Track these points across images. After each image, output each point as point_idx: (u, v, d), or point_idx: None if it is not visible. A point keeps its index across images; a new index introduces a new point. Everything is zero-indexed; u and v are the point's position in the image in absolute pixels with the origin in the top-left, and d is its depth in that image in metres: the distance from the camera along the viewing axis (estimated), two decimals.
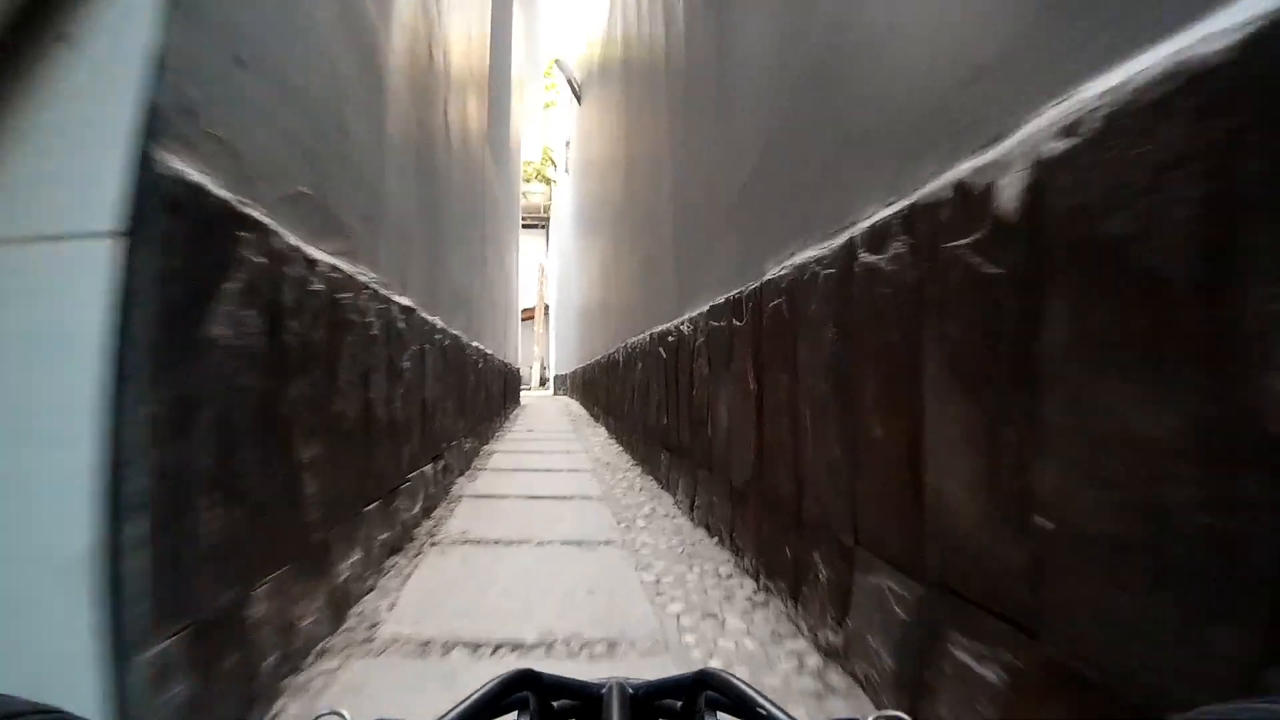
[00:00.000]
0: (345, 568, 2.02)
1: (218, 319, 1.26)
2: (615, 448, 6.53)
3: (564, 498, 3.90)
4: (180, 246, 1.14)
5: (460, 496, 3.90)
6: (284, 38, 1.58)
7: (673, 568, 2.59)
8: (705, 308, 3.19)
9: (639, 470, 5.08)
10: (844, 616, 1.73)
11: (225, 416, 1.31)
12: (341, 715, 0.44)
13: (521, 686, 0.51)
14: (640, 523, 3.35)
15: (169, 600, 1.14)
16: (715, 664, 1.76)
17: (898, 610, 1.47)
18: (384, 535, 2.44)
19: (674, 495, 3.90)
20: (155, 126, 1.08)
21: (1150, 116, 0.88)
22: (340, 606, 1.97)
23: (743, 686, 0.48)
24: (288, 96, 1.61)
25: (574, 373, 15.61)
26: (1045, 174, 1.05)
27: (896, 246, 1.47)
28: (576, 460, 5.57)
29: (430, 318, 3.44)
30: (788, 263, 2.16)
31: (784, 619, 2.08)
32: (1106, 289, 0.94)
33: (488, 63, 6.81)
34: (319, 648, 1.78)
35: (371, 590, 2.24)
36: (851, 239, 1.69)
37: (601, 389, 8.82)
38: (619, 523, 3.32)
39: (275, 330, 1.52)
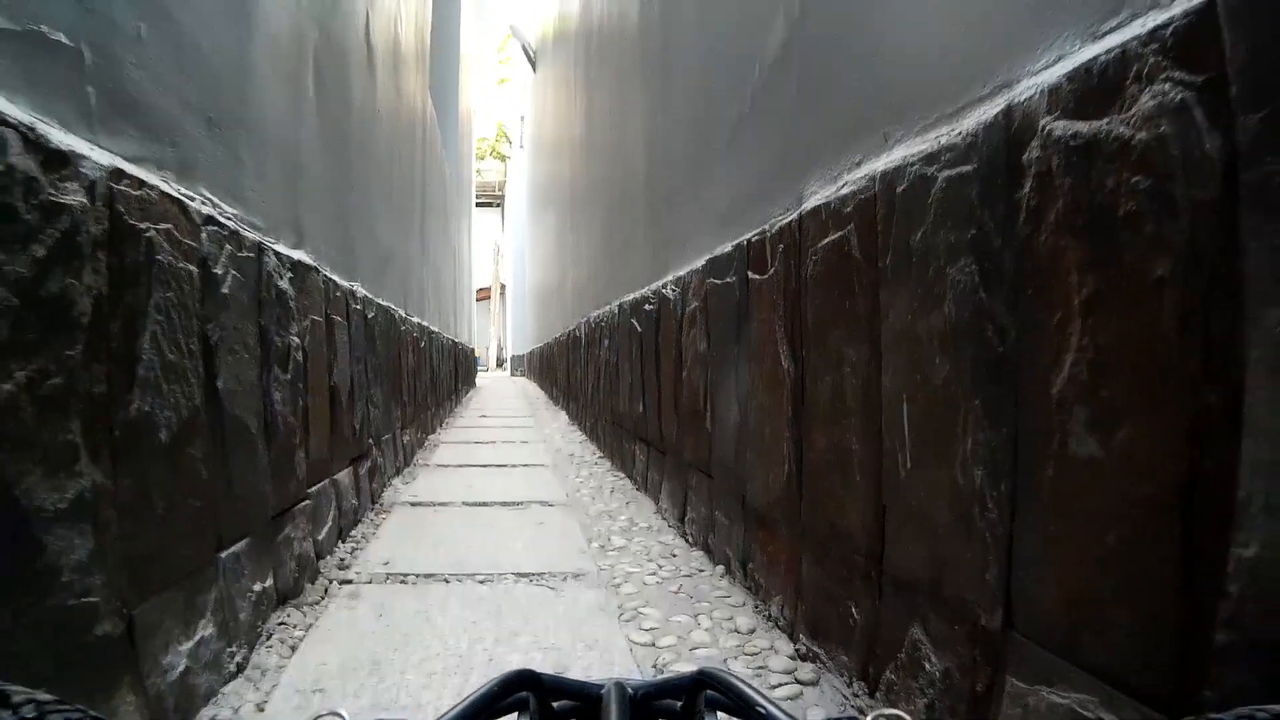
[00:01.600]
0: (179, 657, 1.27)
1: None
2: (578, 435, 5.83)
3: (519, 504, 3.17)
4: None
5: (393, 504, 3.16)
6: None
7: (672, 619, 1.88)
8: (700, 262, 2.45)
9: (607, 465, 4.38)
10: None
11: None
12: (340, 715, 0.41)
13: (521, 687, 0.49)
14: (617, 540, 2.63)
15: None
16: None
17: None
18: (260, 585, 1.69)
19: (655, 501, 3.18)
20: None
21: None
22: (178, 717, 1.23)
23: (742, 686, 0.45)
24: None
25: (531, 353, 14.98)
26: None
27: (1163, 89, 0.74)
28: (534, 452, 4.84)
29: (344, 282, 2.68)
30: (854, 175, 1.43)
31: (851, 709, 1.37)
32: None
33: (430, 12, 6.04)
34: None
35: (238, 675, 1.50)
36: (1012, 105, 0.97)
37: (561, 370, 8.10)
38: (590, 541, 2.60)
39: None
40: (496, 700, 0.46)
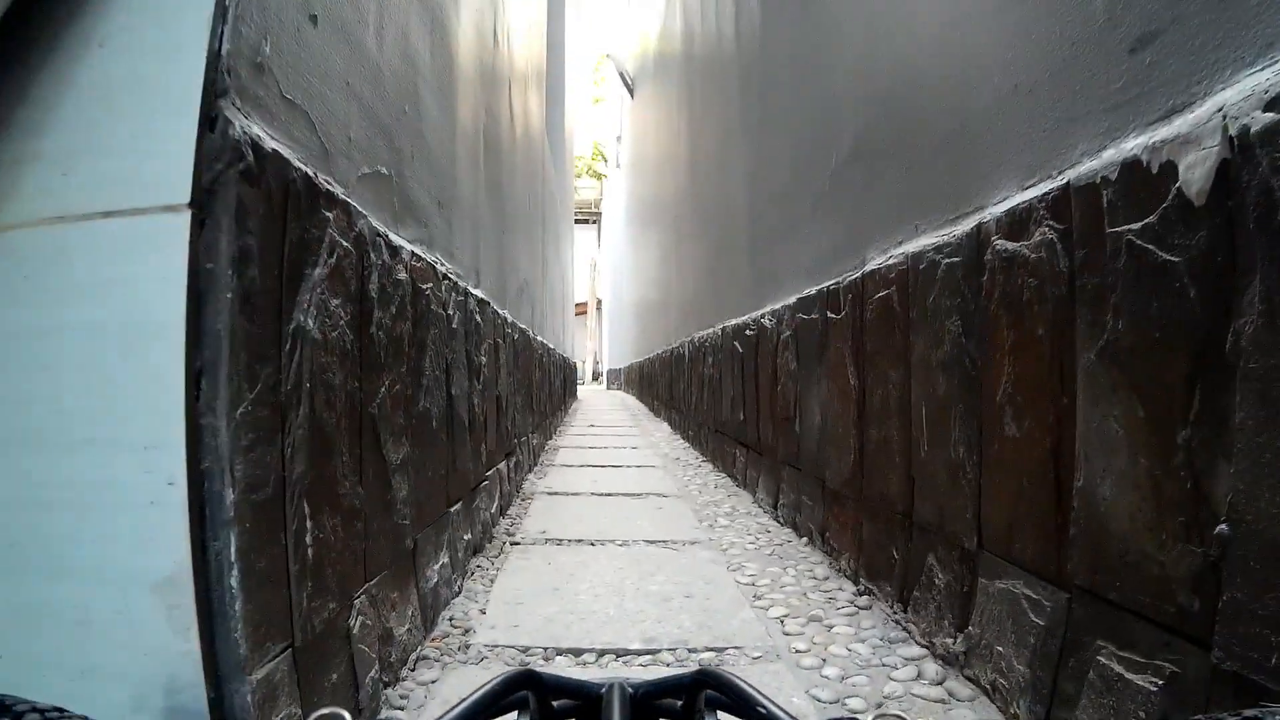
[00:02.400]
0: (434, 573, 1.91)
1: (306, 308, 1.15)
2: (680, 443, 6.40)
3: (638, 494, 3.77)
4: (261, 223, 1.02)
5: (533, 494, 3.80)
6: None
7: (767, 569, 2.44)
8: (792, 300, 3.04)
9: (710, 467, 4.94)
10: (965, 623, 1.59)
11: (318, 417, 1.19)
12: (342, 714, 0.43)
13: (522, 686, 0.50)
14: (722, 521, 3.21)
15: (270, 619, 1.02)
16: (830, 671, 1.64)
17: (1033, 617, 1.34)
18: (467, 536, 2.33)
19: (753, 494, 3.75)
20: (225, 85, 0.96)
21: None
22: (431, 614, 1.86)
23: (743, 686, 0.48)
24: (363, 63, 1.49)
25: (629, 367, 15.61)
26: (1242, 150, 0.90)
27: (1043, 232, 1.32)
28: (644, 455, 5.44)
29: (502, 311, 3.34)
30: (896, 251, 2.01)
31: (892, 623, 1.93)
32: None
33: (545, 54, 6.70)
34: (416, 654, 1.67)
35: (459, 594, 2.14)
36: (980, 225, 1.55)
37: (663, 384, 8.69)
38: (700, 521, 3.19)
39: (363, 322, 1.41)
40: (498, 699, 0.48)
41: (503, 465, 3.23)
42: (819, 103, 2.81)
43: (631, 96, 13.59)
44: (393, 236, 1.61)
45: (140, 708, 0.91)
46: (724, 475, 4.54)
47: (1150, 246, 1.05)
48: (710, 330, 5.25)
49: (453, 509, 2.16)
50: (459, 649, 1.76)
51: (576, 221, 21.76)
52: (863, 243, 2.28)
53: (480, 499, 2.61)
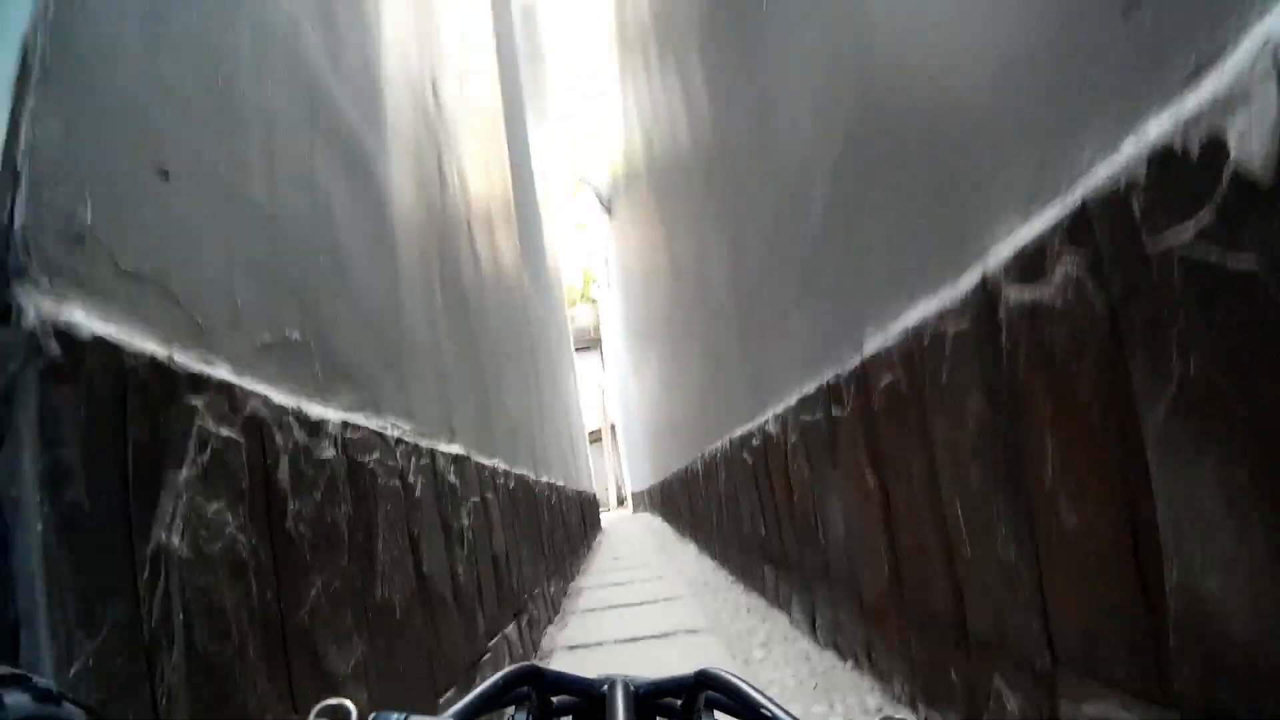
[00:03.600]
0: None
1: (170, 522, 0.92)
2: (708, 563, 6.08)
3: (667, 635, 3.46)
4: (84, 429, 0.81)
5: (552, 649, 3.49)
6: (227, 143, 1.29)
7: (812, 709, 2.15)
8: (793, 400, 2.81)
9: (740, 587, 4.63)
10: None
11: (205, 652, 0.96)
12: (346, 705, 0.41)
13: (524, 682, 0.50)
14: (758, 654, 2.91)
15: None
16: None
17: None
18: None
19: (788, 614, 3.44)
20: (20, 264, 0.77)
21: None
22: None
23: (743, 686, 0.46)
24: (251, 218, 1.32)
25: (651, 489, 15.29)
26: None
27: (1065, 268, 1.09)
28: (671, 586, 5.13)
29: (488, 461, 3.11)
30: (894, 326, 1.79)
31: None
32: None
33: (510, 186, 6.67)
34: None
35: None
36: (985, 276, 1.33)
37: (683, 503, 8.41)
38: (734, 656, 2.88)
39: (273, 519, 1.18)
40: (501, 694, 0.49)
41: (510, 628, 2.94)
42: (783, 173, 2.65)
43: (610, 216, 13.78)
44: (312, 410, 1.39)
45: None
46: (755, 595, 4.22)
47: (1211, 254, 0.82)
48: (718, 443, 5.02)
49: (442, 700, 1.89)
50: None
51: (578, 349, 21.77)
52: (857, 322, 2.07)
53: (483, 675, 2.33)
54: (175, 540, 0.93)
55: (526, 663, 0.52)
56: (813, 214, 2.34)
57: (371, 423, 1.72)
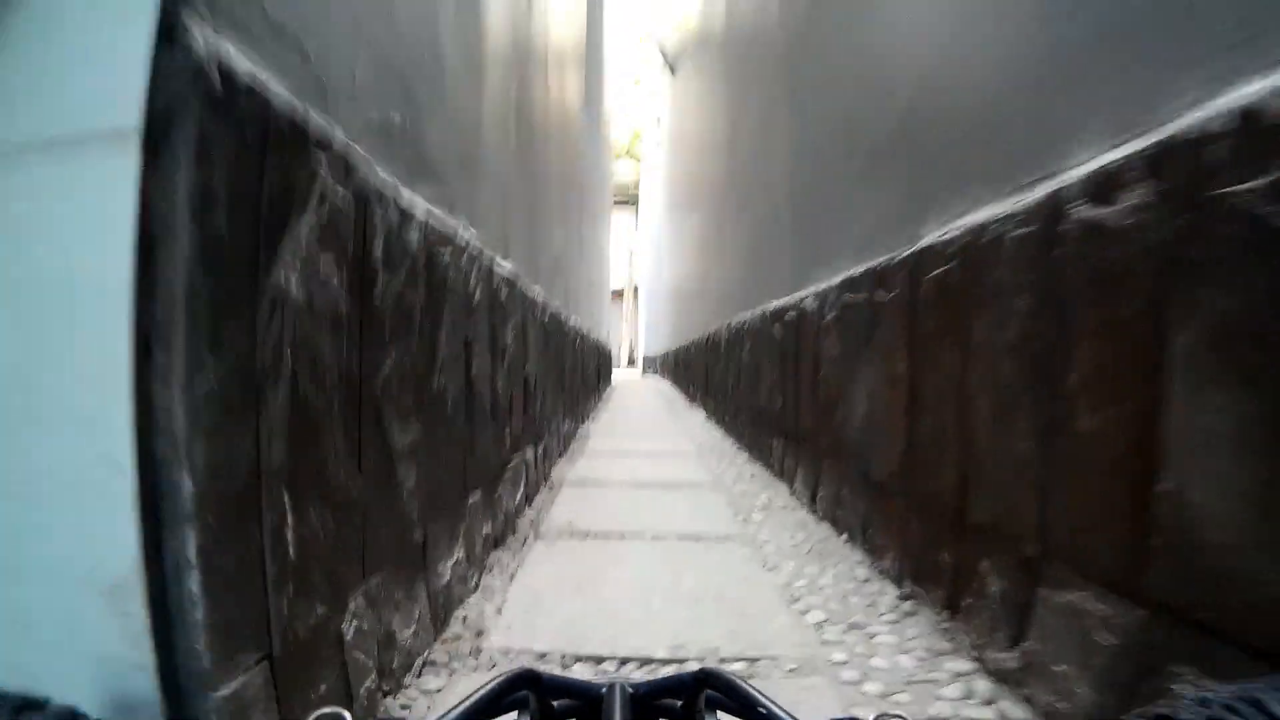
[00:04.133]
0: (446, 569, 1.75)
1: (289, 265, 0.98)
2: (717, 431, 6.21)
3: (672, 484, 3.60)
4: (231, 162, 0.86)
5: (562, 482, 3.64)
6: None
7: (804, 569, 2.26)
8: (837, 280, 2.83)
9: (745, 455, 4.76)
10: (1022, 637, 1.42)
11: (303, 395, 1.03)
12: (342, 714, 0.42)
13: (522, 686, 0.50)
14: (757, 515, 3.03)
15: (241, 627, 0.87)
16: (871, 688, 1.47)
17: (1102, 635, 1.17)
18: (487, 528, 2.18)
19: (790, 485, 3.55)
20: None
21: None
22: (443, 613, 1.70)
23: (744, 686, 0.47)
24: None
25: (665, 353, 15.34)
26: None
27: (1137, 196, 1.12)
28: (678, 444, 5.27)
29: (532, 288, 3.17)
30: (957, 224, 1.80)
31: (939, 633, 1.75)
32: None
33: (585, 27, 6.51)
34: (423, 658, 1.52)
35: (476, 591, 1.98)
36: (1057, 192, 1.35)
37: (699, 370, 8.52)
38: (735, 514, 3.01)
39: (365, 288, 1.24)
40: (497, 699, 0.47)
41: (530, 452, 3.07)
42: (871, 54, 2.60)
43: (673, 74, 13.42)
44: (405, 193, 1.44)
45: None
46: (760, 465, 4.35)
47: (1267, 211, 0.86)
48: (749, 314, 5.05)
49: (471, 499, 2.00)
50: (470, 653, 1.60)
51: (615, 204, 21.58)
52: (919, 215, 2.07)
53: (503, 488, 2.45)
54: (292, 285, 0.99)
55: (522, 667, 0.51)
56: (894, 106, 2.30)
57: (448, 220, 1.77)
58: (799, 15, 3.84)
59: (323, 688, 1.08)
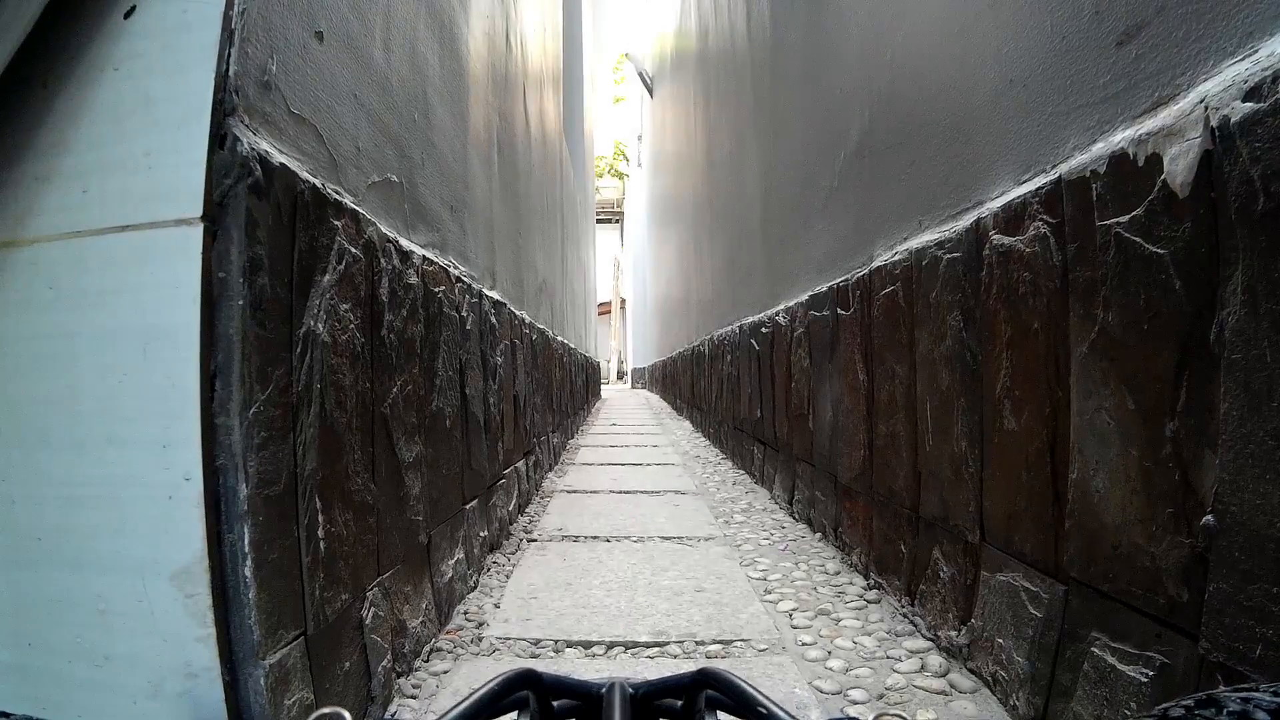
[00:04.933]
0: (448, 568, 1.96)
1: (316, 313, 1.20)
2: (702, 441, 6.42)
3: (656, 492, 3.81)
4: (271, 234, 1.07)
5: (552, 492, 3.84)
6: (362, 11, 1.51)
7: (779, 564, 2.48)
8: (804, 297, 3.06)
9: (729, 464, 4.97)
10: (968, 615, 1.63)
11: (329, 416, 1.25)
12: (342, 714, 0.43)
13: (522, 686, 0.50)
14: (738, 517, 3.24)
15: (283, 608, 1.08)
16: (834, 664, 1.67)
17: (1031, 609, 1.37)
18: (484, 533, 2.39)
19: (770, 490, 3.77)
20: (234, 104, 1.01)
21: None
22: (446, 607, 1.91)
23: (743, 686, 0.47)
24: (370, 75, 1.54)
25: (653, 366, 15.60)
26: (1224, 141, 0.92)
27: (1037, 227, 1.34)
28: (664, 454, 5.48)
29: (519, 312, 3.38)
30: (901, 248, 2.03)
31: (899, 616, 1.96)
32: None
33: (561, 55, 6.74)
34: (430, 645, 1.73)
35: (475, 589, 2.19)
36: (979, 221, 1.57)
37: (685, 382, 8.73)
38: (717, 517, 3.22)
39: (374, 325, 1.46)
40: (498, 699, 0.48)
41: (521, 464, 3.27)
42: (826, 100, 2.83)
43: (651, 96, 13.66)
44: (403, 242, 1.65)
45: (157, 693, 0.96)
46: (742, 472, 4.57)
47: (1138, 239, 1.07)
48: (729, 328, 5.28)
49: (468, 506, 2.21)
50: (472, 641, 1.81)
51: (599, 221, 21.68)
52: (870, 239, 2.31)
53: (497, 497, 2.66)
54: (319, 327, 1.20)
55: (523, 667, 0.51)
56: (848, 140, 2.54)
57: (440, 260, 1.98)
58: (764, 46, 4.08)
59: (347, 664, 1.29)
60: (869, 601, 2.10)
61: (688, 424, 7.99)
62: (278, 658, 1.06)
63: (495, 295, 2.76)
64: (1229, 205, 0.91)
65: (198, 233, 0.97)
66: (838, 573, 2.38)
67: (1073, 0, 1.29)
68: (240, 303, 1.00)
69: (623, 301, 27.56)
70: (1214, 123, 0.93)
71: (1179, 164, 0.99)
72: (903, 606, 1.99)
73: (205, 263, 0.98)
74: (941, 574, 1.77)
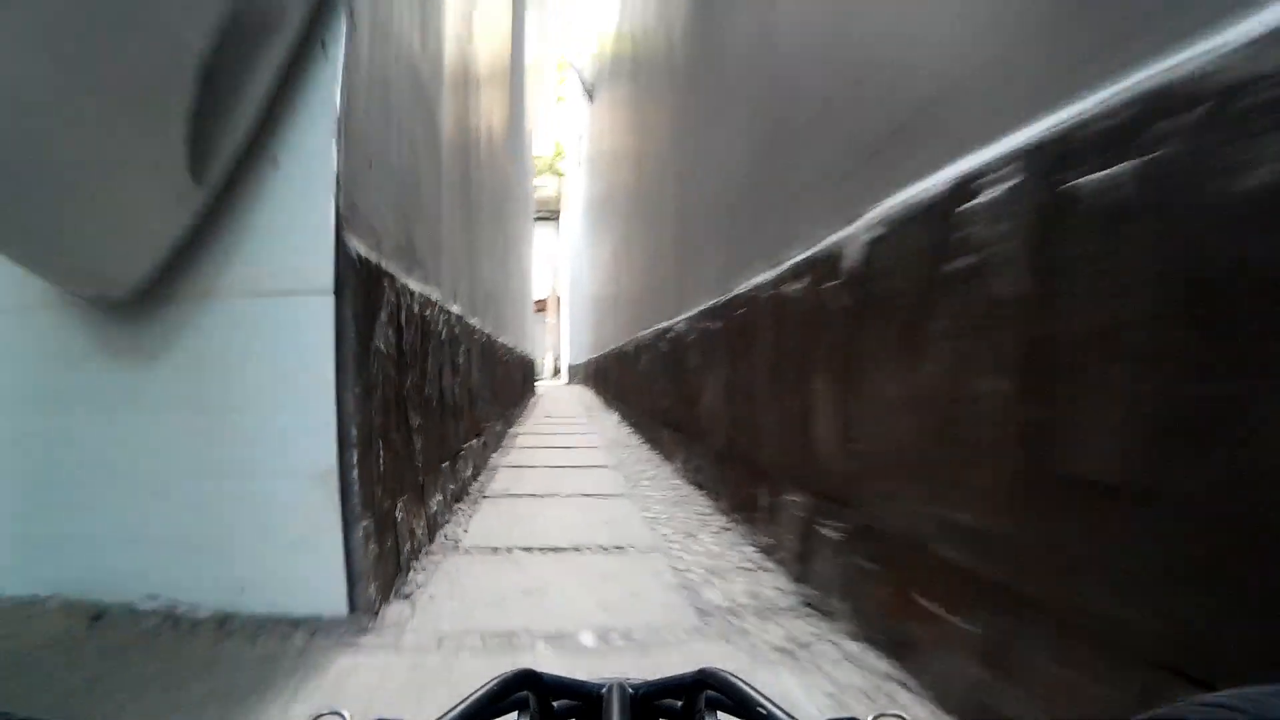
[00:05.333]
0: (434, 503, 2.85)
1: (378, 336, 2.09)
2: (626, 430, 7.33)
3: (582, 467, 4.72)
4: (357, 295, 1.95)
5: (498, 467, 4.73)
6: (385, 132, 2.39)
7: (669, 511, 3.41)
8: (696, 311, 4.01)
9: (646, 448, 5.89)
10: (773, 523, 2.56)
11: (385, 395, 2.14)
12: (341, 715, 0.45)
13: (521, 686, 0.50)
14: (645, 482, 4.17)
15: (366, 501, 1.96)
16: (688, 557, 2.60)
17: (796, 512, 2.31)
18: (452, 486, 3.28)
19: (673, 464, 4.72)
20: (344, 222, 1.90)
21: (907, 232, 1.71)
22: (432, 530, 2.80)
23: (743, 686, 0.48)
24: (391, 176, 2.42)
25: (587, 362, 16.33)
26: (870, 248, 1.87)
27: (802, 281, 2.29)
28: (591, 440, 6.39)
29: (471, 320, 4.26)
30: (748, 282, 2.97)
31: (739, 536, 2.91)
32: (889, 319, 1.79)
33: (509, 63, 7.30)
34: (425, 550, 2.62)
35: (449, 523, 3.08)
36: (779, 272, 2.51)
37: (614, 378, 9.70)
38: (629, 482, 4.15)
39: (400, 339, 2.35)
40: (497, 699, 0.49)
41: (474, 442, 4.16)
42: (705, 164, 3.78)
43: (591, 101, 14.11)
44: (410, 283, 2.54)
45: (306, 542, 1.85)
46: (655, 453, 5.50)
47: (823, 300, 2.01)
48: (648, 331, 6.21)
49: (443, 466, 3.11)
50: (452, 548, 2.71)
51: (537, 219, 21.57)
52: (737, 271, 3.24)
53: (460, 463, 3.55)
54: (380, 344, 2.09)
55: (522, 668, 0.52)
56: (717, 200, 3.49)
57: (426, 289, 2.87)
58: (679, 65, 5.00)
59: (388, 543, 2.18)
60: (724, 529, 3.05)
61: (616, 416, 8.84)
62: (363, 526, 1.94)
63: (457, 310, 3.64)
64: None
65: (330, 299, 1.86)
66: (708, 514, 3.32)
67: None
68: (350, 333, 1.89)
69: (559, 299, 28.07)
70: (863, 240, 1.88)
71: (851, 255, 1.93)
72: (744, 531, 2.93)
73: (335, 313, 1.86)
74: (761, 504, 2.72)
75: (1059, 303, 1.20)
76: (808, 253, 2.27)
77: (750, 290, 2.91)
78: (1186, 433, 0.96)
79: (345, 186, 1.93)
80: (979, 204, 1.40)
